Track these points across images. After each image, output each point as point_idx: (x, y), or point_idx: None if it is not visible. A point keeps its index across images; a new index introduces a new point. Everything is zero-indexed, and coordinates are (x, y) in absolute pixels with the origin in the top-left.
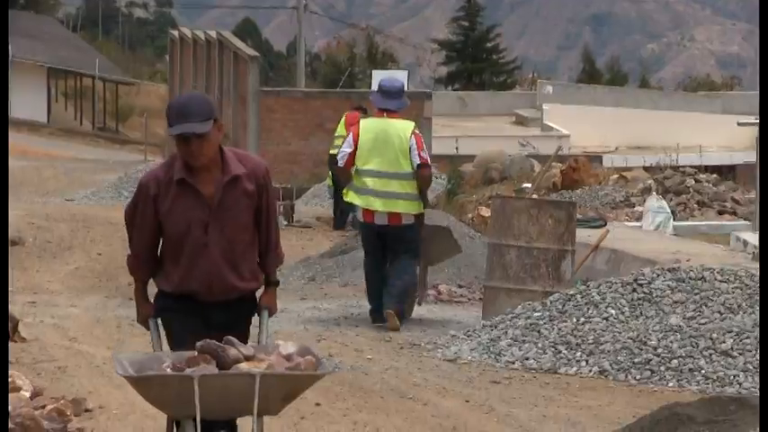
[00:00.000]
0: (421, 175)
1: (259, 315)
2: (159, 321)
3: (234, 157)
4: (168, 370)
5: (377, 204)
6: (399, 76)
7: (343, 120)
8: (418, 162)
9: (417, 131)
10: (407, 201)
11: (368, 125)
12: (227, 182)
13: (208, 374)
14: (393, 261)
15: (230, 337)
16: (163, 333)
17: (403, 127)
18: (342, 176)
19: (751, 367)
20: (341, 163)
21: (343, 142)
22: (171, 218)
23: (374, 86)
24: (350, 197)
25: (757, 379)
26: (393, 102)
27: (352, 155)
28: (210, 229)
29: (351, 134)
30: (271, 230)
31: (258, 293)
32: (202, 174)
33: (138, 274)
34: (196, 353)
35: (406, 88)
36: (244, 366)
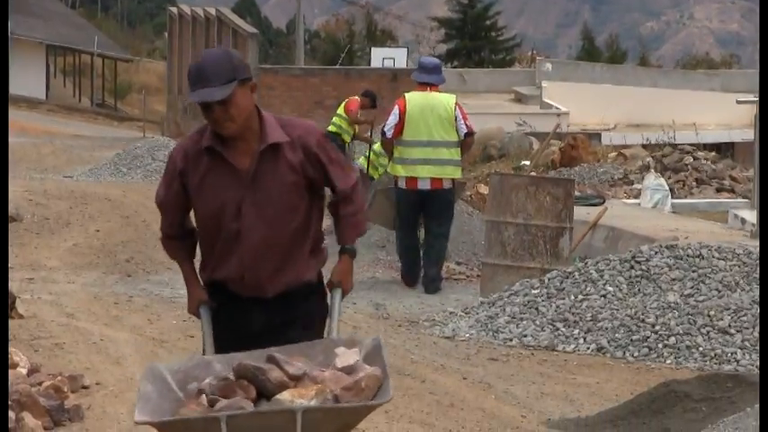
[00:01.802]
0: (466, 143)
1: (330, 295)
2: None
3: (276, 123)
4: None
5: (424, 171)
6: (398, 54)
7: (343, 104)
8: (465, 131)
9: (459, 103)
10: (453, 166)
11: (414, 98)
12: (263, 151)
13: (238, 413)
14: (429, 225)
15: (274, 354)
16: None
17: (447, 99)
18: (387, 148)
19: (748, 345)
20: (389, 135)
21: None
22: (201, 196)
23: (374, 63)
24: (395, 170)
25: (755, 357)
26: (433, 77)
27: (399, 126)
28: (245, 211)
29: (396, 107)
30: (345, 191)
31: (319, 283)
32: (236, 143)
33: (176, 256)
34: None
35: (395, 67)
36: (286, 396)
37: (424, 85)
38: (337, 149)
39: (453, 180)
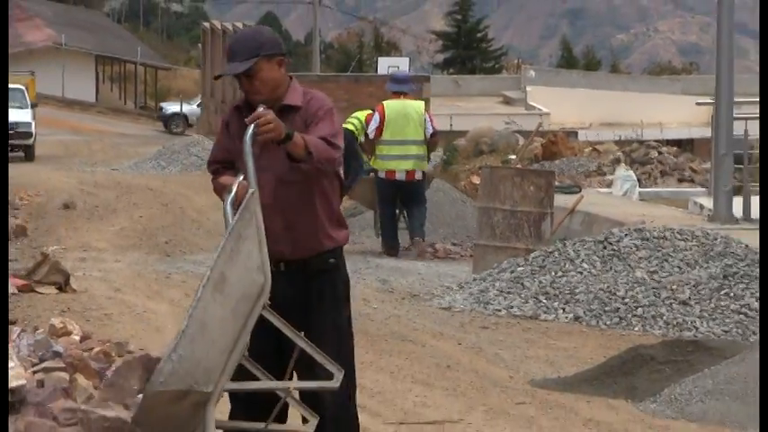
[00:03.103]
0: (433, 141)
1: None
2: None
3: (300, 91)
4: None
5: (400, 165)
6: (402, 63)
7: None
8: (431, 131)
9: (426, 109)
10: (422, 161)
11: (391, 105)
12: (277, 111)
13: None
14: (409, 206)
15: None
16: None
17: (417, 105)
18: (368, 146)
19: (706, 315)
20: (371, 136)
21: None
22: (233, 149)
23: (380, 71)
24: (376, 164)
25: (712, 324)
26: (404, 86)
27: (380, 129)
28: (258, 164)
29: (377, 113)
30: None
31: (332, 259)
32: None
33: (217, 187)
34: None
35: (408, 73)
36: None
37: (397, 94)
38: (337, 126)
39: (423, 172)
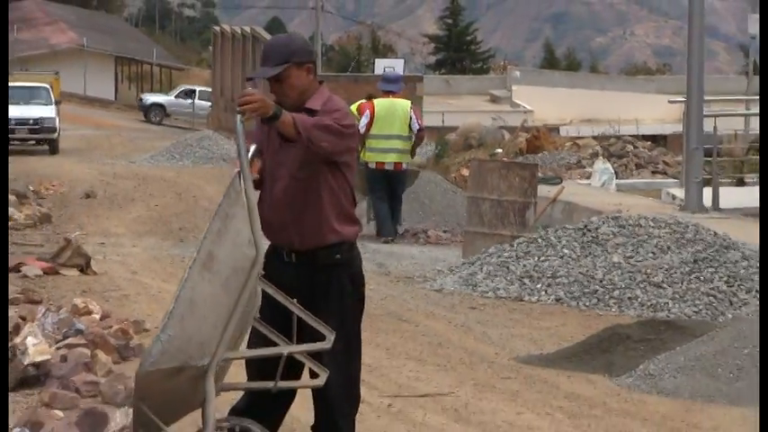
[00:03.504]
0: (418, 137)
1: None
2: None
3: (323, 96)
4: None
5: (388, 158)
6: (397, 64)
7: (356, 105)
8: (417, 127)
9: (413, 106)
10: (406, 154)
11: (380, 103)
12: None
13: None
14: (393, 196)
15: None
16: None
17: (404, 103)
18: (359, 140)
19: (678, 296)
20: (362, 131)
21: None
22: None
23: (377, 71)
24: (367, 156)
25: (683, 306)
26: (394, 86)
27: (369, 124)
28: (276, 161)
29: (367, 110)
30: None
31: (338, 255)
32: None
33: None
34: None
35: (401, 73)
36: None
37: (387, 93)
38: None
39: (407, 164)
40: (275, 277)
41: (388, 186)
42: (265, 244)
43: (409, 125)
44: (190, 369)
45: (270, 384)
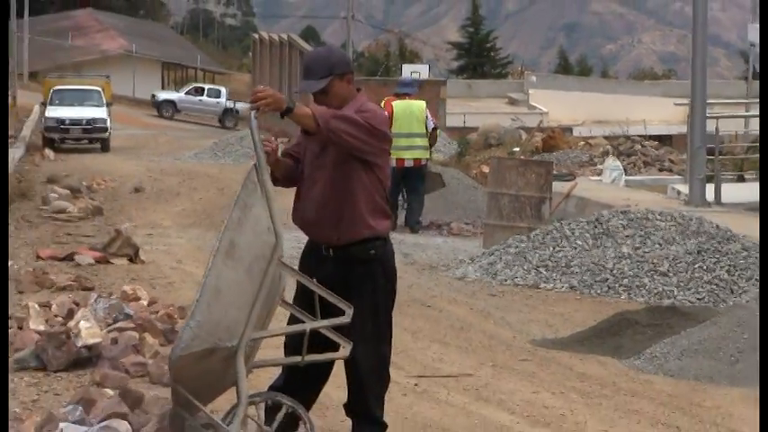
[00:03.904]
0: (433, 135)
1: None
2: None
3: (358, 102)
4: None
5: (406, 154)
6: (422, 69)
7: (383, 102)
8: (432, 126)
9: (428, 106)
10: (424, 150)
11: (398, 105)
12: None
13: None
14: (411, 191)
15: None
16: None
17: (420, 104)
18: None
19: (682, 284)
20: None
21: None
22: (304, 146)
23: (403, 76)
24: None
25: (687, 293)
26: (409, 89)
27: (389, 123)
28: (315, 164)
29: (386, 111)
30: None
31: (373, 251)
32: None
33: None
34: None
35: (422, 78)
36: None
37: (403, 95)
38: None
39: (426, 159)
40: (314, 271)
41: (406, 182)
42: (303, 239)
43: (425, 123)
44: (220, 350)
45: (298, 359)
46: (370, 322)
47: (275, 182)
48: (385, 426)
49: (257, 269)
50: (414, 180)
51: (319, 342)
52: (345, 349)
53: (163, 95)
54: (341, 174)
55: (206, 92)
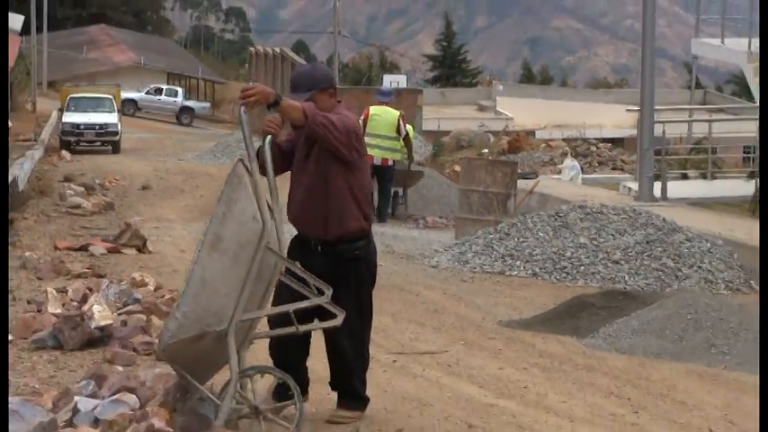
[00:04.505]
0: (405, 140)
1: None
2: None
3: (336, 112)
4: None
5: (375, 151)
6: (401, 79)
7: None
8: (405, 132)
9: (402, 116)
10: (393, 151)
11: (375, 109)
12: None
13: None
14: (380, 190)
15: None
16: None
17: (395, 112)
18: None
19: (633, 271)
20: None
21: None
22: (295, 141)
23: (384, 85)
24: None
25: (637, 279)
26: (387, 97)
27: (364, 125)
28: (300, 168)
29: (364, 114)
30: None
31: (357, 251)
32: None
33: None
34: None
35: (398, 87)
36: None
37: (381, 103)
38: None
39: (394, 160)
40: (305, 264)
41: (378, 180)
42: (294, 233)
43: (398, 130)
44: (210, 334)
45: (293, 329)
46: (354, 313)
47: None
48: (367, 399)
49: (244, 256)
50: (383, 180)
51: (304, 316)
52: (339, 317)
53: (125, 95)
54: (323, 176)
55: (164, 92)
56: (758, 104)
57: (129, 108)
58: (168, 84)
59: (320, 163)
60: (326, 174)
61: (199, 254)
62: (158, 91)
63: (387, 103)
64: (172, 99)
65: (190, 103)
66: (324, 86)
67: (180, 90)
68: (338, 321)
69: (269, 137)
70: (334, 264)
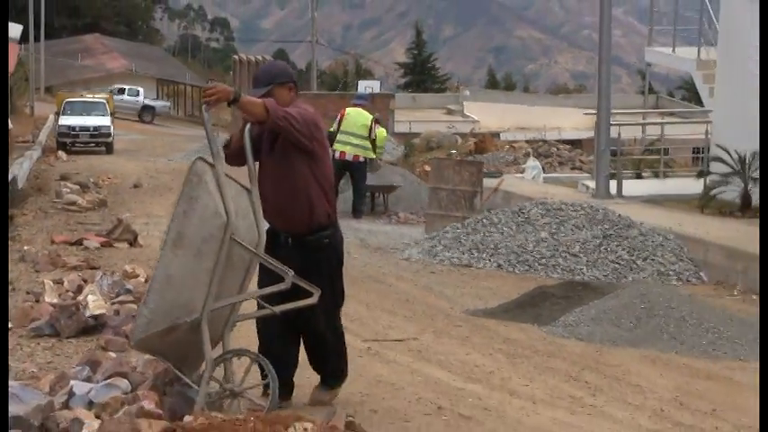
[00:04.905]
0: (372, 141)
1: None
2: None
3: (294, 105)
4: None
5: (347, 148)
6: (374, 85)
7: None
8: (374, 136)
9: (373, 118)
10: (364, 149)
11: (350, 111)
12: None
13: None
14: (354, 187)
15: None
16: None
17: (368, 115)
18: (332, 137)
19: (590, 263)
20: (333, 129)
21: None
22: (257, 139)
23: (360, 90)
24: (335, 146)
25: (594, 271)
26: (363, 101)
27: (339, 123)
28: (266, 163)
29: (340, 114)
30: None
31: (327, 240)
32: None
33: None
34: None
35: (375, 92)
36: None
37: (357, 105)
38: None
39: (365, 157)
40: (277, 257)
41: (351, 176)
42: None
43: (369, 130)
44: (182, 326)
45: (269, 311)
46: (329, 299)
47: (226, 159)
48: (346, 374)
49: (209, 250)
50: (356, 177)
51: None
52: (315, 296)
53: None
54: (288, 168)
55: (126, 91)
56: (706, 108)
57: None
58: (158, 89)
59: (284, 156)
60: (291, 166)
61: (162, 252)
62: (121, 91)
63: (362, 106)
64: (134, 98)
65: (151, 102)
66: (282, 81)
67: (141, 90)
68: (314, 300)
69: (248, 125)
70: (305, 254)
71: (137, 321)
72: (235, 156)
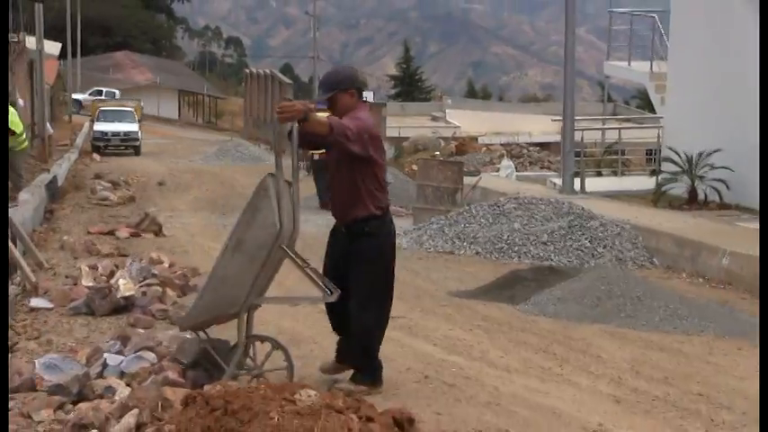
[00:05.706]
0: None
1: None
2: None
3: (354, 114)
4: None
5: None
6: (368, 95)
7: None
8: None
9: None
10: None
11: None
12: None
13: None
14: None
15: None
16: None
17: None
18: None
19: (557, 251)
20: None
21: None
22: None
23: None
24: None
25: (561, 257)
26: (322, 106)
27: None
28: (335, 170)
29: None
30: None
31: (367, 228)
32: None
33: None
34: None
35: (369, 101)
36: None
37: (320, 110)
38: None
39: None
40: (335, 244)
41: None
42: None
43: None
44: (223, 316)
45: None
46: (361, 287)
47: (302, 142)
48: (374, 372)
49: (259, 256)
50: None
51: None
52: (334, 294)
53: (74, 96)
54: (349, 173)
55: (104, 93)
56: (658, 115)
57: (74, 107)
58: (179, 99)
59: (342, 161)
60: (351, 171)
61: (222, 254)
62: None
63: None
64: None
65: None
66: (344, 87)
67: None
68: (327, 299)
69: (295, 124)
70: (349, 242)
71: (190, 311)
72: (303, 142)
